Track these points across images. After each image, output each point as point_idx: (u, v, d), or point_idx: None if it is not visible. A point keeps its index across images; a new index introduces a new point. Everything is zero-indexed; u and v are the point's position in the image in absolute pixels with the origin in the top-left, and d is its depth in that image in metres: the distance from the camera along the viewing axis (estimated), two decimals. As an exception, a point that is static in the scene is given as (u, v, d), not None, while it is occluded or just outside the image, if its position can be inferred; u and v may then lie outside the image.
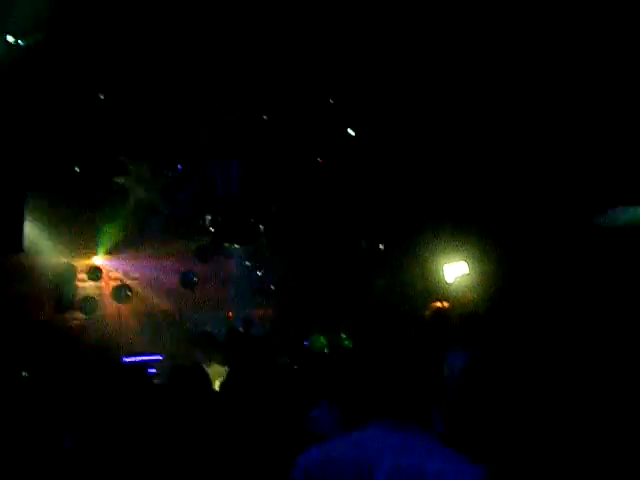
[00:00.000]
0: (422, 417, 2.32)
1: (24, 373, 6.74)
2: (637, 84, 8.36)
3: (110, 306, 14.81)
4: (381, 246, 13.06)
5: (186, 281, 14.60)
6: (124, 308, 14.86)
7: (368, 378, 2.38)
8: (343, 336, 10.10)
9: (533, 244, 9.68)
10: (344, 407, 4.47)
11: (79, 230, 13.62)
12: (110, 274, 15.19)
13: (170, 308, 15.32)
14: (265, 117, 12.03)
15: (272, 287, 15.04)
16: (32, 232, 11.72)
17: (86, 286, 14.48)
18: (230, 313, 14.93)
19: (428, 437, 2.29)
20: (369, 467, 2.21)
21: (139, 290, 15.07)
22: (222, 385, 5.04)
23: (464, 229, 11.08)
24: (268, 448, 3.90)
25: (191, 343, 8.94)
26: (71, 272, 13.66)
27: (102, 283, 14.89)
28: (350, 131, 12.02)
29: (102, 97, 10.68)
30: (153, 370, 8.99)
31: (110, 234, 14.53)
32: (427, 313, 7.69)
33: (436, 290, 11.02)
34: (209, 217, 14.16)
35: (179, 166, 13.24)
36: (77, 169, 12.01)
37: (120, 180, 12.63)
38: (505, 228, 10.27)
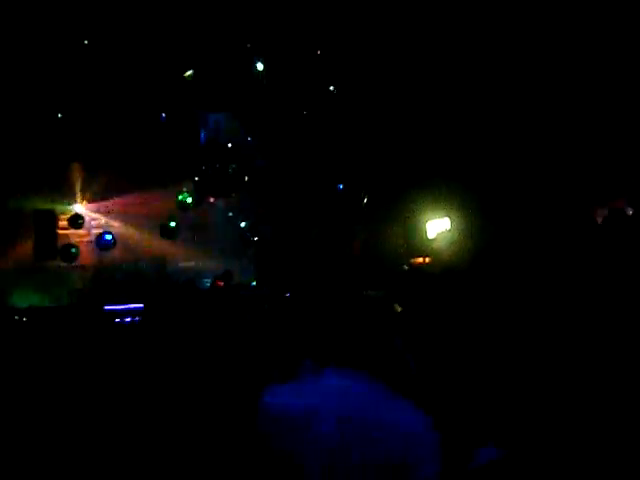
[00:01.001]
0: (377, 366, 2.34)
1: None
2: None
3: (92, 254, 14.77)
4: (365, 200, 13.04)
5: (166, 230, 14.53)
6: (106, 256, 14.81)
7: (330, 326, 2.40)
8: None
9: (516, 203, 9.70)
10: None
11: (61, 177, 13.55)
12: (93, 222, 15.12)
13: (153, 257, 15.30)
14: (253, 69, 11.92)
15: (254, 238, 15.02)
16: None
17: (68, 233, 14.43)
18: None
19: (380, 386, 2.31)
20: (321, 412, 2.25)
21: (122, 238, 15.01)
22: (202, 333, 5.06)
23: (448, 186, 11.08)
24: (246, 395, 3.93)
25: (174, 292, 8.92)
26: (52, 219, 13.61)
27: (84, 231, 14.83)
28: (332, 88, 11.96)
29: (86, 42, 10.55)
30: (136, 318, 8.98)
31: (93, 182, 14.45)
32: (407, 268, 7.74)
33: (418, 245, 11.07)
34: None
35: (163, 115, 13.10)
36: (60, 115, 11.90)
37: (104, 127, 12.48)
38: (489, 186, 10.28)
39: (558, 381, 3.96)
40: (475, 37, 9.66)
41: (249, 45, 11.14)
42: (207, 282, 11.82)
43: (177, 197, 14.33)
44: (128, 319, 8.01)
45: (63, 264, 13.98)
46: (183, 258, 15.41)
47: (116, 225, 15.26)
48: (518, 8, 9.06)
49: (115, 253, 14.84)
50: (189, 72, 11.45)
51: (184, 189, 14.27)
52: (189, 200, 14.34)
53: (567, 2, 8.63)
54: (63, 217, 14.31)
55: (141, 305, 10.01)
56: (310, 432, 2.24)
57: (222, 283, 10.70)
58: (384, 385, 2.31)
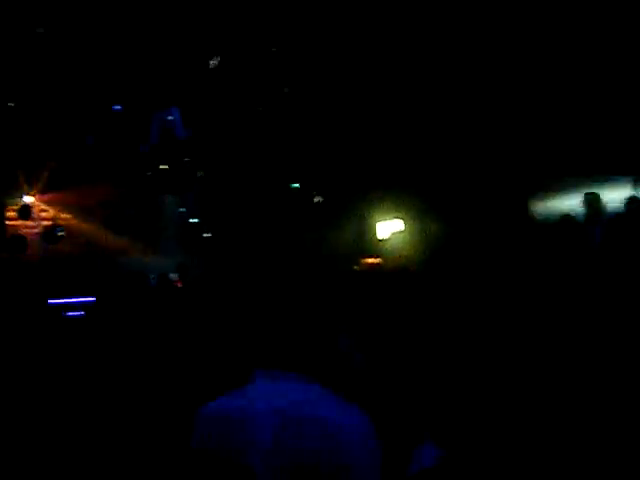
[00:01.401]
0: (311, 367, 2.31)
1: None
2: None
3: (40, 246, 14.53)
4: (316, 199, 13.05)
5: (116, 224, 14.40)
6: (54, 248, 14.59)
7: (276, 326, 2.38)
8: None
9: (468, 206, 9.79)
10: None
11: (10, 167, 13.32)
12: (41, 214, 14.89)
13: (102, 250, 15.11)
14: (209, 65, 11.87)
15: (204, 235, 14.94)
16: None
17: (15, 224, 14.19)
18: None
19: (315, 386, 2.29)
20: (254, 415, 2.22)
21: (71, 231, 14.80)
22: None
23: (401, 188, 11.13)
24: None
25: (123, 286, 8.84)
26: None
27: (33, 222, 14.60)
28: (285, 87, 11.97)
29: (40, 31, 10.40)
30: (81, 312, 8.85)
31: (43, 173, 14.23)
32: (357, 268, 7.74)
33: (369, 246, 11.10)
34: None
35: (118, 107, 12.96)
36: (10, 104, 11.72)
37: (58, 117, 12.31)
38: (442, 189, 10.35)
39: (503, 380, 4.01)
40: (426, 38, 9.73)
41: (206, 41, 11.06)
42: (153, 277, 11.70)
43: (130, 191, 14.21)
44: (74, 313, 7.91)
45: (10, 255, 13.72)
46: (133, 252, 15.25)
47: (66, 217, 15.04)
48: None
49: (64, 246, 14.62)
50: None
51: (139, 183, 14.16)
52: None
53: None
54: (11, 208, 14.07)
55: (88, 299, 9.91)
56: (245, 433, 2.21)
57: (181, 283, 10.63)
58: (321, 385, 2.30)
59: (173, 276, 12.68)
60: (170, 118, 13.49)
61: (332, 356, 2.36)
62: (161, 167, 13.18)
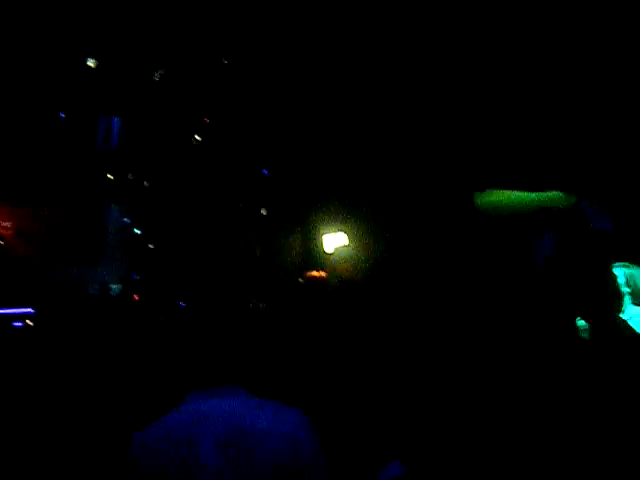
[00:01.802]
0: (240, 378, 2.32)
1: None
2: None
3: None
4: (263, 212, 13.03)
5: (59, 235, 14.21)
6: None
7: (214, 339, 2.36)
8: None
9: (413, 219, 9.86)
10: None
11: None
12: (-20, 223, 14.60)
13: (41, 260, 14.83)
14: (155, 73, 11.79)
15: (150, 246, 14.78)
16: None
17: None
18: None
19: (247, 396, 2.30)
20: (196, 438, 2.18)
21: (10, 240, 14.51)
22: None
23: (346, 200, 11.18)
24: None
25: (62, 297, 8.68)
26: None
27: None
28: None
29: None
30: (19, 323, 8.68)
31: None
32: (301, 281, 7.73)
33: (314, 259, 11.10)
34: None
35: (61, 114, 12.78)
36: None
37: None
38: (387, 201, 10.42)
39: (455, 392, 4.03)
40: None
41: (151, 50, 10.98)
42: (96, 288, 11.56)
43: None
44: (14, 323, 7.77)
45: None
46: (73, 262, 15.00)
47: (5, 225, 14.75)
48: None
49: (2, 253, 14.34)
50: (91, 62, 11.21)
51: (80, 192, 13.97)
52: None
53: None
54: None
55: (25, 309, 9.71)
56: (191, 463, 2.17)
57: (137, 297, 10.49)
58: (255, 396, 2.30)
59: (116, 287, 12.52)
60: (112, 129, 13.38)
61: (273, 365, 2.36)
62: (108, 176, 13.02)
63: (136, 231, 15.02)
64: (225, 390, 2.27)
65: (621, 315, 4.00)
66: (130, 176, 13.43)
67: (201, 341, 2.34)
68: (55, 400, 4.02)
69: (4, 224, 14.69)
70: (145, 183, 13.73)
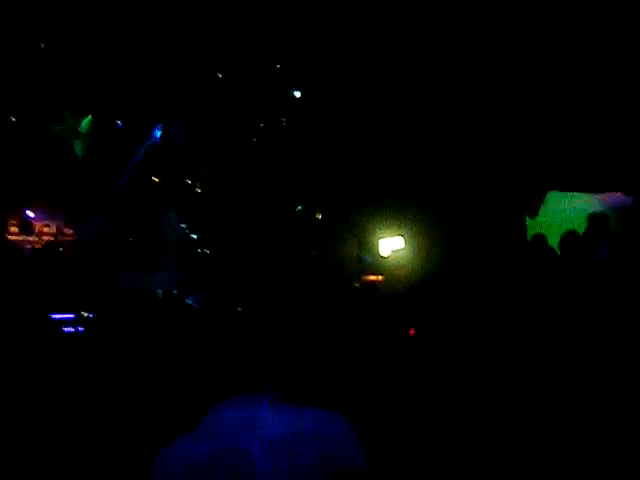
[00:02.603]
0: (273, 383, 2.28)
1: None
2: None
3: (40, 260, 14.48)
4: (318, 216, 13.03)
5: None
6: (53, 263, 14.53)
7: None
8: None
9: (471, 225, 9.77)
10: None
11: (10, 180, 13.30)
12: (43, 229, 14.86)
13: (103, 265, 15.04)
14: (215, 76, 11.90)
15: (207, 251, 14.89)
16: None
17: (17, 239, 14.16)
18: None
19: (283, 401, 2.26)
20: (240, 448, 2.15)
21: (72, 246, 14.76)
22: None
23: (403, 204, 11.12)
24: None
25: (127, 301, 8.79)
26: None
27: (34, 237, 14.57)
28: (297, 93, 11.95)
29: (43, 45, 10.42)
30: (81, 328, 8.80)
31: (45, 187, 14.21)
32: (359, 285, 7.71)
33: (371, 263, 11.06)
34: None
35: (119, 123, 12.97)
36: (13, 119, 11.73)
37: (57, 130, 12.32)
38: (445, 206, 10.34)
39: (491, 401, 3.97)
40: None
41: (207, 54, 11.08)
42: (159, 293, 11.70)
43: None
44: (74, 329, 7.86)
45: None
46: (134, 268, 15.19)
47: (68, 233, 15.02)
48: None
49: (65, 260, 14.58)
50: None
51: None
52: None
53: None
54: (12, 222, 14.06)
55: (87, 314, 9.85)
56: (245, 471, 2.13)
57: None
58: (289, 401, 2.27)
59: (175, 292, 12.65)
60: (172, 131, 13.50)
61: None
62: (153, 179, 13.14)
63: (192, 236, 15.15)
64: (257, 397, 2.24)
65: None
66: (188, 181, 13.54)
67: (258, 346, 2.33)
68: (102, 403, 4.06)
69: (67, 231, 14.96)
70: (198, 189, 13.85)
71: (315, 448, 2.14)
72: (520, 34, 9.15)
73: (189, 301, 10.50)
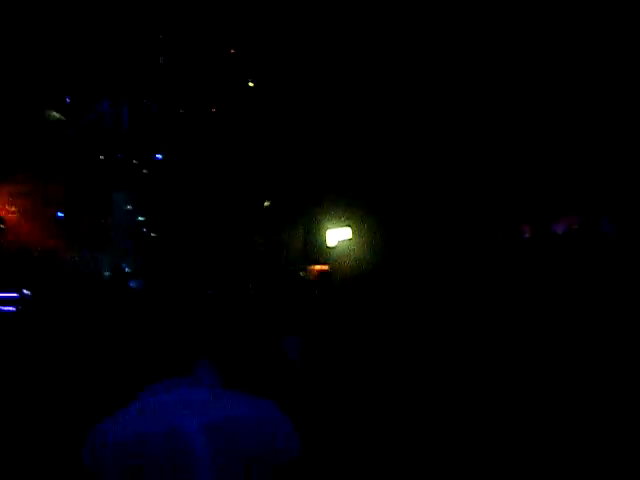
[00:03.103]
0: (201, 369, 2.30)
1: None
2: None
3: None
4: (266, 203, 13.01)
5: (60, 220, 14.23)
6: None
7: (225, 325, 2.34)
8: None
9: (417, 215, 9.85)
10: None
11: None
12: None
13: (47, 245, 14.83)
14: (162, 60, 11.79)
15: (151, 234, 14.78)
16: None
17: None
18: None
19: (217, 387, 2.30)
20: (180, 431, 2.15)
21: (15, 223, 14.52)
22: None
23: (351, 196, 11.17)
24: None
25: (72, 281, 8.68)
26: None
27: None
28: (250, 83, 11.90)
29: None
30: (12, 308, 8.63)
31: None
32: (305, 274, 7.72)
33: (317, 253, 11.08)
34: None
35: (67, 99, 12.75)
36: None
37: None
38: (390, 198, 10.40)
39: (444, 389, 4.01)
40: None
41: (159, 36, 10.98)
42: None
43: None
44: (9, 308, 7.74)
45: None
46: (76, 250, 14.99)
47: (12, 209, 14.75)
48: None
49: (3, 240, 14.35)
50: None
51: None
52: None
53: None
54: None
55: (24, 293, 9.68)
56: (181, 452, 2.13)
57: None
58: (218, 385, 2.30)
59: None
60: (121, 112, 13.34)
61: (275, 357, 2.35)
62: (100, 157, 12.96)
63: (140, 218, 15.01)
64: (192, 380, 2.24)
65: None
66: (135, 162, 13.39)
67: (179, 325, 2.32)
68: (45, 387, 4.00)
69: (9, 208, 14.70)
70: (145, 170, 13.73)
71: (252, 434, 2.16)
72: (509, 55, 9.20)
73: (132, 284, 10.38)
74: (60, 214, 14.19)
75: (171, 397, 2.21)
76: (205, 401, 2.21)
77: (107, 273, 12.05)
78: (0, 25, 10.23)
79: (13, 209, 14.62)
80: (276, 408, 2.29)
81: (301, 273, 7.87)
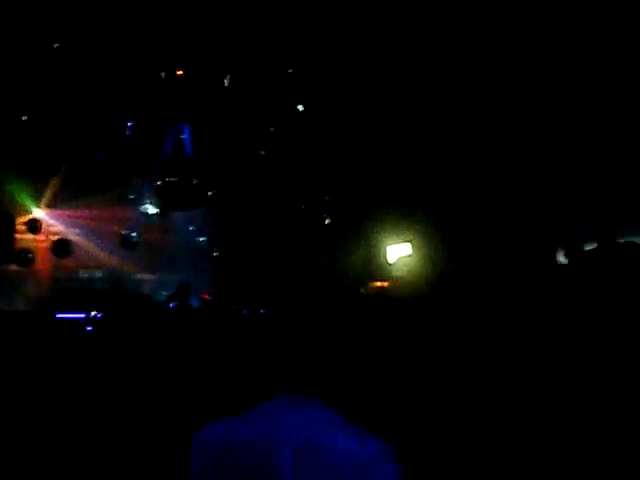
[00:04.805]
0: (325, 392, 2.26)
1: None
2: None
3: (48, 260, 14.57)
4: (326, 221, 13.06)
5: (127, 241, 14.41)
6: (62, 263, 14.62)
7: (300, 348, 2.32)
8: None
9: (479, 232, 9.77)
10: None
11: (20, 181, 13.37)
12: (50, 228, 14.93)
13: (109, 266, 15.12)
14: (223, 81, 11.93)
15: (213, 253, 14.93)
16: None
17: (25, 238, 14.23)
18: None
19: (332, 412, 2.24)
20: (276, 444, 2.15)
21: (79, 246, 14.84)
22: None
23: (411, 212, 11.14)
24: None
25: (128, 303, 8.79)
26: (10, 222, 13.41)
27: (41, 236, 14.64)
28: (300, 107, 11.99)
29: (56, 46, 10.47)
30: (89, 328, 8.81)
31: (52, 187, 14.28)
32: (365, 292, 7.71)
33: (378, 270, 11.07)
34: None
35: (129, 124, 12.99)
36: (24, 118, 11.76)
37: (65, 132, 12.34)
38: (451, 213, 10.36)
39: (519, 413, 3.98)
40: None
41: (220, 58, 11.11)
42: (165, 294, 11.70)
43: (139, 208, 14.22)
44: (80, 328, 7.88)
45: (18, 268, 13.79)
46: (141, 270, 15.25)
47: (74, 233, 15.07)
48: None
49: (71, 261, 14.66)
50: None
51: (147, 201, 14.14)
52: (151, 211, 14.21)
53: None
54: (20, 221, 14.11)
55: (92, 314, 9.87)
56: (266, 466, 2.14)
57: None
58: (339, 412, 2.24)
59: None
60: (182, 136, 13.50)
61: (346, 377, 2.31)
62: (168, 180, 13.10)
63: (200, 239, 15.19)
64: (304, 400, 2.22)
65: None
66: (195, 181, 13.55)
67: (275, 348, 2.31)
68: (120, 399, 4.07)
69: (74, 230, 15.03)
70: (209, 192, 13.86)
71: (345, 466, 2.09)
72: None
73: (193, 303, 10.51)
74: (126, 234, 14.41)
75: (279, 413, 2.23)
76: (311, 425, 2.18)
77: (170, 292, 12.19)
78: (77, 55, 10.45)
79: (77, 231, 14.96)
80: (386, 451, 2.17)
81: (361, 290, 7.88)
